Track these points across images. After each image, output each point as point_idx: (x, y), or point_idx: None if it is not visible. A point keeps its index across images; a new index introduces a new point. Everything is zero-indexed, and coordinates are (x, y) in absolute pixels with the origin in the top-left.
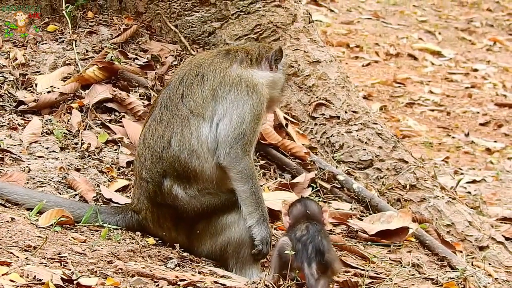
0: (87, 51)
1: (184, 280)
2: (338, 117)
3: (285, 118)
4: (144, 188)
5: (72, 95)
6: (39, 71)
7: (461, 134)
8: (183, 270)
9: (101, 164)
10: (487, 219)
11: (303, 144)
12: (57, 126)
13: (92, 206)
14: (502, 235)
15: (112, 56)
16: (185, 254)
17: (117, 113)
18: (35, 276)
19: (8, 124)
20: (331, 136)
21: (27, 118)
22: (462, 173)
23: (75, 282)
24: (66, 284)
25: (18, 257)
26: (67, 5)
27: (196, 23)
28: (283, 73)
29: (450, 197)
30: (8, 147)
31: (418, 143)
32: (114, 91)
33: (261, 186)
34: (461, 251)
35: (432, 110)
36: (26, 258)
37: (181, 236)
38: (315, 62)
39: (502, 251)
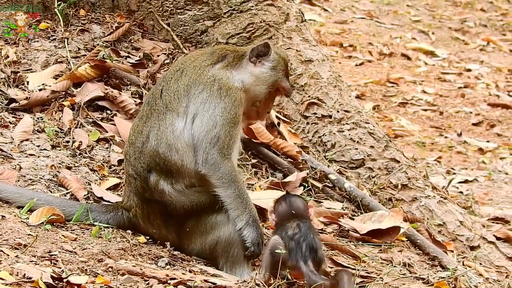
0: (79, 49)
1: (174, 278)
2: (330, 116)
3: (277, 117)
4: (133, 184)
5: (63, 93)
6: (31, 69)
7: (453, 134)
8: (174, 269)
9: (92, 162)
10: (478, 219)
11: (295, 143)
12: (49, 124)
13: (83, 204)
14: (494, 235)
15: (104, 54)
16: (175, 252)
17: (108, 111)
18: (25, 274)
19: None
20: (323, 135)
21: (19, 116)
22: (454, 173)
23: (65, 280)
24: (56, 282)
25: (8, 255)
26: (59, 2)
27: (188, 22)
28: (271, 68)
29: (441, 197)
30: None
31: (411, 142)
32: (106, 89)
33: (253, 185)
34: (452, 251)
35: (425, 110)
36: (16, 256)
37: (171, 233)
38: (307, 61)
39: (493, 251)
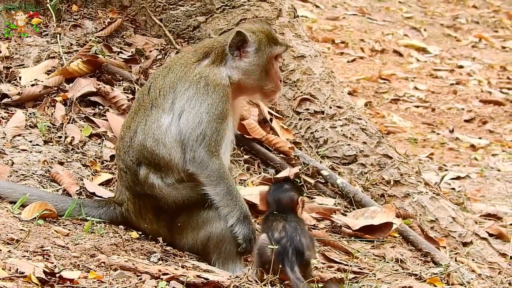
0: (71, 44)
1: (167, 274)
2: (323, 112)
3: (269, 113)
4: (124, 179)
5: (56, 88)
6: (23, 64)
7: (445, 130)
8: (166, 264)
9: (84, 157)
10: (471, 215)
11: (287, 139)
12: (41, 119)
13: (75, 200)
14: (486, 231)
15: (96, 50)
16: (168, 248)
17: (101, 107)
18: (17, 269)
19: None
20: (315, 131)
21: (11, 111)
22: (446, 170)
23: (57, 275)
24: (49, 277)
25: (0, 250)
26: None
27: (181, 17)
28: (256, 51)
29: (434, 193)
30: None
31: (403, 139)
32: (98, 84)
33: (245, 181)
34: (444, 247)
35: (417, 107)
36: (9, 251)
37: (163, 228)
38: (299, 57)
39: (486, 247)
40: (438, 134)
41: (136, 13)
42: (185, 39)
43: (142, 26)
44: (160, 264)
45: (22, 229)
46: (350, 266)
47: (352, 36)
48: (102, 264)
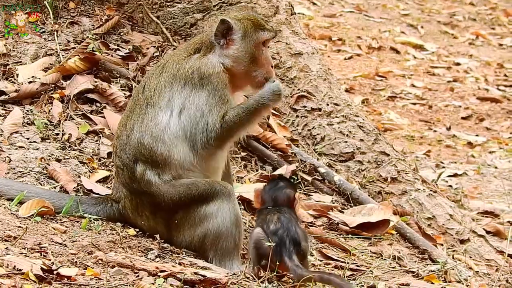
0: (68, 41)
1: (164, 271)
2: (320, 110)
3: None
4: (121, 176)
5: (53, 85)
6: (21, 61)
7: (442, 127)
8: (164, 261)
9: (82, 155)
10: (468, 212)
11: (284, 136)
12: (38, 116)
13: (73, 197)
14: (483, 229)
15: (93, 47)
16: (165, 245)
17: (98, 104)
18: (15, 266)
19: None
20: (312, 128)
21: (8, 108)
22: (443, 167)
23: (55, 272)
24: (46, 274)
25: None
26: None
27: (178, 14)
28: (242, 37)
29: (431, 190)
30: None
31: (400, 136)
32: (96, 82)
33: (242, 178)
34: (442, 244)
35: (414, 104)
36: (6, 248)
37: (160, 225)
38: (297, 54)
39: (483, 245)
40: (435, 131)
41: (133, 10)
42: (182, 36)
43: (139, 23)
44: (158, 261)
45: (19, 226)
46: (347, 263)
47: (349, 33)
48: (100, 261)
